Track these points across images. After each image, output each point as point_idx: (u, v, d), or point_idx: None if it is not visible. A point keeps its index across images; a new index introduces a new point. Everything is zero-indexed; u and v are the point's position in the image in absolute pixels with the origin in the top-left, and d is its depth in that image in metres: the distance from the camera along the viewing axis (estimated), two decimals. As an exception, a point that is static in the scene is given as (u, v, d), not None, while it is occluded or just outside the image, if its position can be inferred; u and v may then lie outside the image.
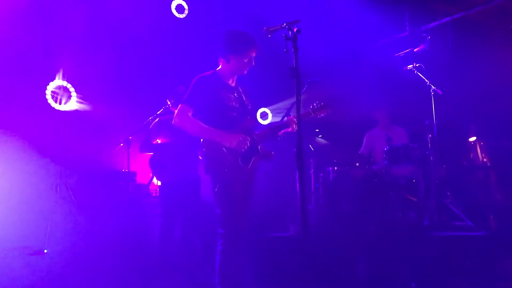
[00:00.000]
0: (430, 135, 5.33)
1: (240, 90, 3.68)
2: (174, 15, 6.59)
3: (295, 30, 2.80)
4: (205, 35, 6.22)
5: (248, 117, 3.59)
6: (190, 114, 3.42)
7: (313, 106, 3.74)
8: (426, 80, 5.44)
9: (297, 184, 2.79)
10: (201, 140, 3.44)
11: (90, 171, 5.35)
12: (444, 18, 6.51)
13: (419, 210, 5.45)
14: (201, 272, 4.67)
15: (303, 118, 3.61)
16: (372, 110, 6.52)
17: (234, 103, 3.53)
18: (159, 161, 4.71)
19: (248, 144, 3.41)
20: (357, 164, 5.81)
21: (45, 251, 4.75)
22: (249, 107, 3.65)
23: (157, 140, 4.80)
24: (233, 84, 3.64)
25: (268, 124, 6.74)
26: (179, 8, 6.63)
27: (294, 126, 3.60)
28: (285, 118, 3.89)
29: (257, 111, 3.75)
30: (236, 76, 3.63)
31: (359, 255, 5.01)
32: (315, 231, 5.42)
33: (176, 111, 3.46)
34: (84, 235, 4.78)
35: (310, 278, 2.69)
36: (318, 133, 6.46)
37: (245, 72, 3.57)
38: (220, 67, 3.59)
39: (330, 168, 5.96)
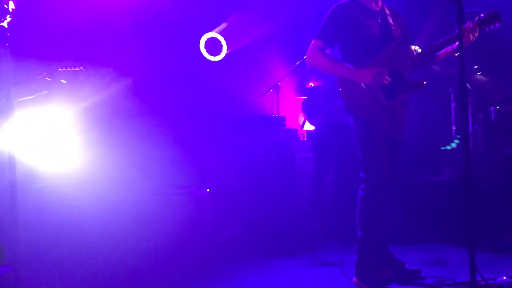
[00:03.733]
0: None
1: (388, 13, 3.22)
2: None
3: None
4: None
5: (394, 45, 3.14)
6: (322, 48, 3.14)
7: (480, 17, 3.07)
8: None
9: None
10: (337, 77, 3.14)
11: (240, 117, 5.61)
12: None
13: None
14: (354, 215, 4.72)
15: (468, 33, 2.99)
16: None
17: (375, 31, 3.13)
18: (311, 105, 4.73)
19: (387, 78, 3.02)
20: (524, 102, 5.23)
21: (208, 190, 5.19)
22: (398, 33, 3.19)
23: (310, 83, 4.81)
24: (378, 8, 3.20)
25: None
26: None
27: (471, 35, 2.99)
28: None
29: (410, 36, 3.29)
30: None
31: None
32: (474, 176, 5.06)
33: (309, 48, 3.18)
34: (237, 177, 5.05)
35: (468, 223, 2.50)
36: (476, 70, 5.88)
37: None
38: None
39: (492, 107, 5.45)
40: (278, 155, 5.29)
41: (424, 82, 3.12)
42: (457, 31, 2.74)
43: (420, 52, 3.27)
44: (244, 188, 5.04)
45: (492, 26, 3.09)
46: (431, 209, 4.77)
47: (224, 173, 5.18)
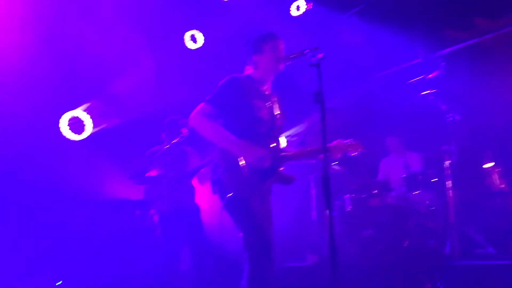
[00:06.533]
0: (449, 161, 5.25)
1: (276, 99, 3.32)
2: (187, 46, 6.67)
3: (320, 56, 2.78)
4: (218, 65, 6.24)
5: (274, 133, 3.22)
6: (209, 114, 3.04)
7: (349, 142, 3.31)
8: (442, 106, 5.40)
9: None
10: (217, 147, 3.04)
11: (105, 201, 5.32)
12: (458, 44, 6.52)
13: (440, 237, 5.35)
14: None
15: (338, 151, 3.25)
16: (384, 137, 6.51)
17: (262, 114, 3.15)
18: (154, 194, 4.70)
19: (269, 163, 3.04)
20: (374, 191, 5.73)
21: (59, 282, 4.69)
22: (280, 122, 3.28)
23: (151, 172, 4.77)
24: (268, 92, 3.28)
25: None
26: (193, 39, 6.71)
27: (339, 154, 3.24)
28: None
29: (284, 128, 3.42)
30: (270, 82, 3.27)
31: (378, 284, 4.90)
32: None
33: (195, 110, 3.06)
34: (104, 266, 4.70)
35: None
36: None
37: (281, 68, 3.20)
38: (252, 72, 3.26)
39: (347, 195, 5.89)
40: (144, 241, 5.03)
41: (295, 179, 3.17)
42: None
43: (297, 151, 3.38)
44: (105, 277, 4.65)
45: (356, 153, 3.34)
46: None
47: (81, 262, 4.76)
